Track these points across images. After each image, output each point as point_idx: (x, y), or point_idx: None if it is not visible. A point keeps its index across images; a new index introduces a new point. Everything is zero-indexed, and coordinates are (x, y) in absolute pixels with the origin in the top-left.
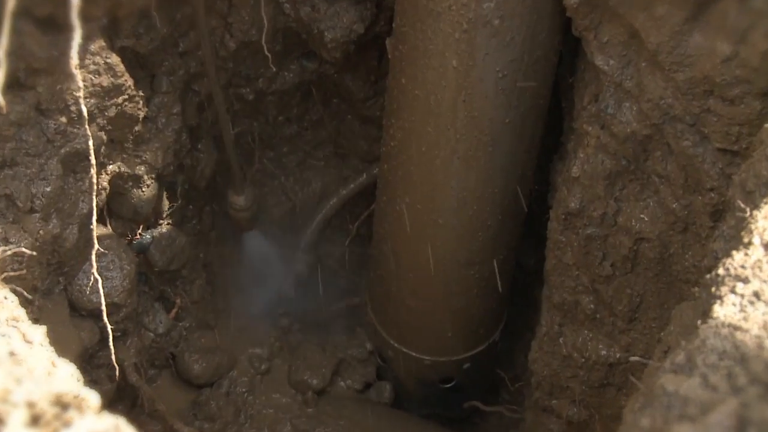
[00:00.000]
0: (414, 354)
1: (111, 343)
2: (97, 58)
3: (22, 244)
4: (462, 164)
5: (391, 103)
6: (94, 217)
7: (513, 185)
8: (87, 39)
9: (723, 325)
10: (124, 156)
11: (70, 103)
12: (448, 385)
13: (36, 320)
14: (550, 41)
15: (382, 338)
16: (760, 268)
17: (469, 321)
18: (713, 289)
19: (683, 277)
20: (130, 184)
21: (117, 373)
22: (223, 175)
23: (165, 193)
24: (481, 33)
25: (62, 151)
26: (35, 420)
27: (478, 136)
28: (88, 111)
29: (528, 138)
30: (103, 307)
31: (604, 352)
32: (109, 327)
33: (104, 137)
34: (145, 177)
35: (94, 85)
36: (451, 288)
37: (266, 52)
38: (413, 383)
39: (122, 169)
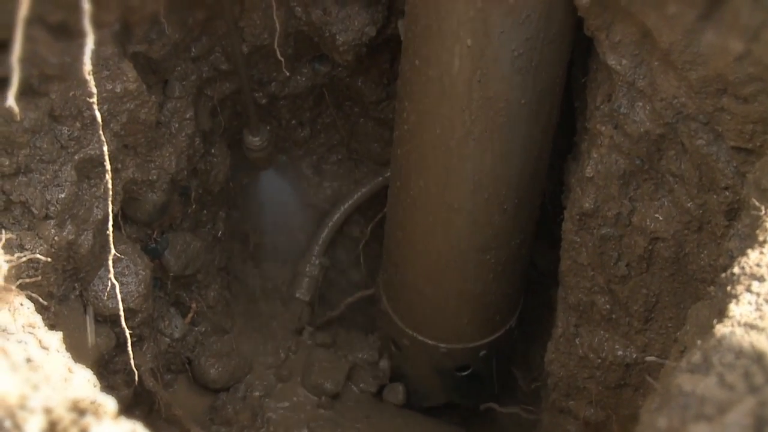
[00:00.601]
0: (430, 342)
1: (129, 349)
2: (110, 64)
3: (37, 251)
4: (477, 146)
5: (404, 86)
6: (110, 223)
7: (529, 167)
8: (99, 45)
9: (739, 323)
10: (138, 161)
11: (83, 109)
12: (465, 373)
13: (52, 326)
14: (566, 18)
15: (397, 326)
16: None
17: (485, 307)
18: (729, 288)
19: (699, 276)
20: (144, 189)
21: (134, 378)
22: (239, 117)
23: (179, 197)
24: (496, 11)
25: (76, 157)
26: (52, 426)
27: (493, 117)
28: (101, 117)
29: (544, 118)
30: (122, 312)
31: (620, 353)
32: (127, 332)
33: (118, 143)
34: (159, 182)
35: (107, 91)
36: (466, 274)
37: (279, 56)
38: (429, 371)
39: (136, 174)
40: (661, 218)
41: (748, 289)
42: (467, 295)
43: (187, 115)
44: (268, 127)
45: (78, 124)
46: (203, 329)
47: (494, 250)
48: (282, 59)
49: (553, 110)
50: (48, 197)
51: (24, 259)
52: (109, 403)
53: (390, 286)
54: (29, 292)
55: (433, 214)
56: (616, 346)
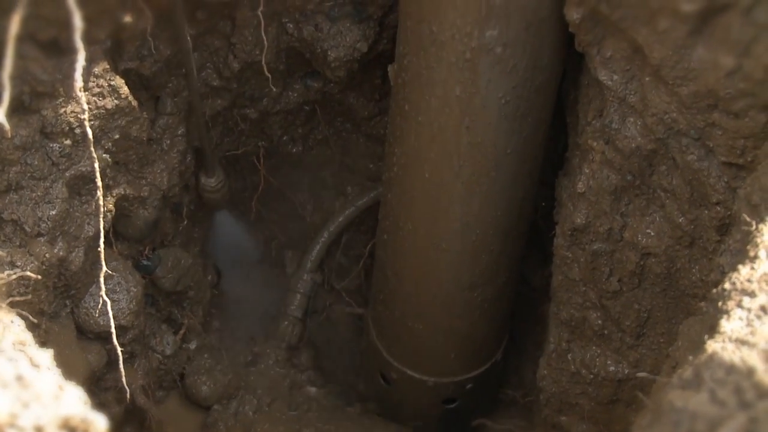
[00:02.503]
0: (417, 375)
1: (121, 366)
2: (101, 81)
3: (28, 268)
4: (465, 189)
5: (394, 130)
6: (101, 240)
7: (516, 208)
8: (91, 62)
9: (730, 339)
10: (129, 178)
11: (74, 125)
12: (451, 406)
13: (43, 344)
14: (552, 67)
15: (385, 360)
16: (767, 282)
17: (471, 342)
18: (720, 303)
19: (690, 291)
20: (136, 205)
21: (125, 395)
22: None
23: (171, 214)
24: (484, 61)
25: (67, 174)
26: None
27: (481, 162)
28: (92, 133)
29: (530, 162)
30: (113, 329)
31: (612, 368)
32: (119, 349)
33: (109, 159)
34: (151, 198)
35: (98, 108)
36: (453, 310)
37: (266, 73)
38: (416, 404)
39: (127, 191)
40: (652, 234)
41: (740, 305)
42: (454, 332)
43: (179, 132)
44: (223, 171)
45: (69, 141)
46: (195, 346)
47: (481, 288)
48: (269, 75)
49: (539, 154)
50: (39, 214)
51: (14, 276)
52: (100, 421)
53: (378, 321)
54: (20, 310)
55: (422, 254)
56: (608, 362)
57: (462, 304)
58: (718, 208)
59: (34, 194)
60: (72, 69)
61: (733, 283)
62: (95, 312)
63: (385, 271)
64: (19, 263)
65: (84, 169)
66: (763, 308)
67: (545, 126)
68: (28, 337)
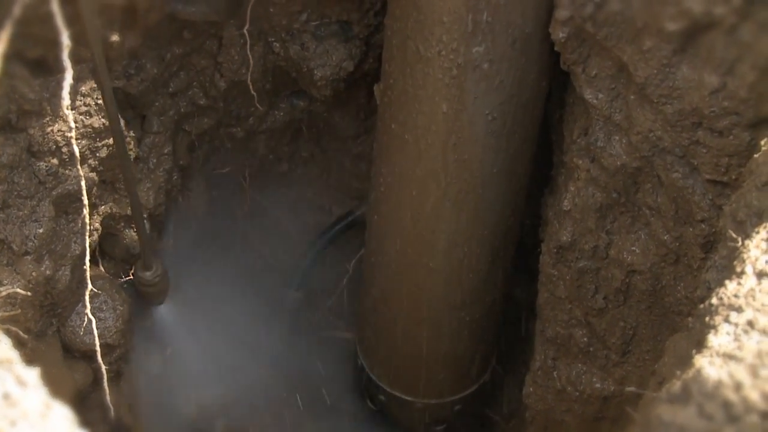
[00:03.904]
0: (405, 397)
1: (105, 385)
2: (88, 100)
3: (16, 286)
4: (452, 207)
5: (380, 149)
6: (87, 258)
7: (503, 226)
8: (77, 80)
9: (718, 354)
10: (116, 196)
11: (61, 144)
12: (440, 428)
13: (29, 362)
14: (538, 84)
15: (373, 382)
16: (754, 297)
17: (460, 363)
18: (707, 318)
19: (676, 308)
20: (122, 224)
21: (111, 414)
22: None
23: (156, 233)
24: (471, 77)
25: (54, 192)
26: None
27: (468, 179)
28: (79, 152)
29: (517, 179)
30: (98, 348)
31: (598, 385)
32: (103, 368)
33: (96, 178)
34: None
35: (85, 126)
36: (442, 330)
37: (252, 91)
38: (405, 427)
39: (114, 209)
40: (637, 251)
41: (727, 320)
42: (442, 352)
43: (165, 150)
44: (161, 261)
45: (56, 160)
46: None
47: (469, 307)
48: (255, 94)
49: (526, 170)
50: (26, 233)
51: (3, 293)
52: None
53: (365, 343)
54: (8, 326)
55: (409, 274)
56: (594, 379)
57: (450, 324)
58: (703, 226)
59: (20, 213)
60: (59, 87)
61: (721, 299)
62: (81, 330)
63: (371, 292)
64: (6, 282)
65: (71, 188)
66: (750, 323)
67: (532, 143)
68: (14, 355)
